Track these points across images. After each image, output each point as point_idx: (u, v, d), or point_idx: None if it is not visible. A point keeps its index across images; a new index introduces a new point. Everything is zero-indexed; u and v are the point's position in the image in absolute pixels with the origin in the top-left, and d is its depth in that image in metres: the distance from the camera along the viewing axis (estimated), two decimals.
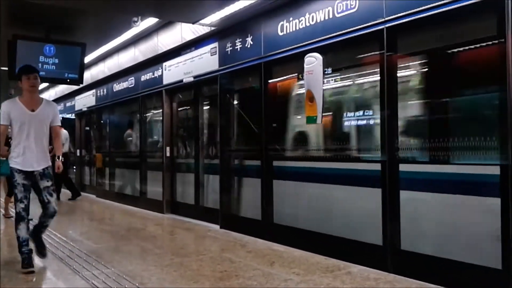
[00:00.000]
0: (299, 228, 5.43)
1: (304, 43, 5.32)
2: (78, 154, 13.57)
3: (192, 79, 7.63)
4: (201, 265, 4.72)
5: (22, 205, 4.55)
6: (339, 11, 4.87)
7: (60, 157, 4.83)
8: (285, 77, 5.95)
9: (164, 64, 8.46)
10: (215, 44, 6.99)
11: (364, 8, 4.60)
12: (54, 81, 10.14)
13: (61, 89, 13.88)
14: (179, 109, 8.81)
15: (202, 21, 6.44)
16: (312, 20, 5.22)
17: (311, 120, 5.16)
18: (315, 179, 5.28)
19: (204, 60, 7.26)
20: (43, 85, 12.69)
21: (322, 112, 5.03)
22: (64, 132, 10.76)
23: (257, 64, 6.11)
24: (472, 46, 3.87)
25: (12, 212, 7.41)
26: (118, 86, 10.57)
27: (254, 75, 6.31)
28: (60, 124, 4.95)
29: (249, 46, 6.26)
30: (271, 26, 5.86)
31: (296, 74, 5.64)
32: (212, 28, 6.80)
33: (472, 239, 3.76)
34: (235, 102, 7.00)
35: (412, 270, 4.10)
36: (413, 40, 4.35)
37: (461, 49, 3.99)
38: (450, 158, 3.96)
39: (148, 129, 9.80)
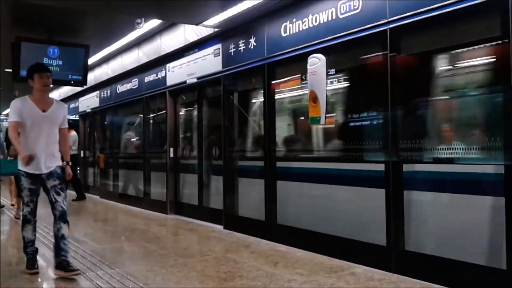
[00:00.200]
0: (303, 228, 5.43)
1: (307, 44, 5.32)
2: (82, 155, 13.61)
3: (195, 80, 7.64)
4: (205, 265, 4.72)
5: (28, 209, 4.44)
6: (342, 12, 4.87)
7: (69, 162, 4.67)
8: (288, 78, 5.95)
9: (167, 65, 8.48)
10: (219, 46, 7.00)
11: (367, 9, 4.60)
12: (58, 83, 10.15)
13: (65, 90, 13.93)
14: (182, 110, 8.83)
15: (205, 23, 6.45)
16: (316, 21, 5.22)
17: (314, 121, 5.16)
18: (318, 179, 5.29)
19: (208, 62, 7.28)
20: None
21: (326, 113, 5.04)
22: (73, 134, 10.80)
23: (260, 65, 6.12)
24: (476, 47, 3.87)
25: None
26: (121, 88, 10.60)
27: (257, 76, 6.32)
28: (67, 126, 4.78)
29: (252, 47, 6.28)
30: (274, 27, 5.87)
31: (299, 75, 5.64)
32: (216, 30, 6.81)
33: (477, 239, 3.75)
34: (239, 103, 7.01)
35: (416, 270, 4.10)
36: (416, 41, 4.35)
37: (465, 49, 3.99)
38: (455, 158, 3.95)
39: (152, 130, 9.82)
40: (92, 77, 11.27)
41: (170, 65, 8.41)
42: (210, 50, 7.22)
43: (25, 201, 4.45)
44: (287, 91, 6.04)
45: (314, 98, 5.12)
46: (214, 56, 7.11)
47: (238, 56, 6.57)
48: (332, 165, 5.20)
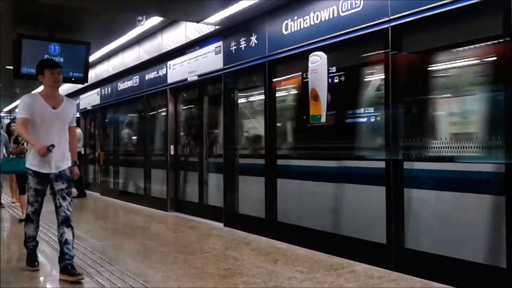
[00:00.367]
0: (303, 226, 5.43)
1: (308, 42, 5.32)
2: (82, 152, 13.61)
3: (196, 78, 7.64)
4: (205, 263, 4.73)
5: (32, 208, 4.32)
6: (343, 10, 4.87)
7: (77, 162, 4.53)
8: (289, 76, 5.95)
9: (168, 63, 8.48)
10: (220, 43, 7.00)
11: (369, 7, 4.60)
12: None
13: (66, 88, 13.91)
14: (183, 108, 8.84)
15: (206, 20, 6.44)
16: (317, 19, 5.22)
17: (315, 118, 5.17)
18: (319, 177, 5.29)
19: (209, 59, 7.28)
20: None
21: (327, 111, 5.04)
22: (79, 132, 10.81)
23: (261, 63, 6.12)
24: (477, 45, 3.87)
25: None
26: (122, 85, 10.60)
27: (258, 74, 6.32)
28: (76, 124, 4.61)
29: (253, 45, 6.27)
30: (275, 25, 5.87)
31: (300, 73, 5.64)
32: (217, 27, 6.81)
33: (477, 238, 3.76)
34: (239, 101, 7.01)
35: (416, 268, 4.10)
36: (418, 39, 4.35)
37: (466, 47, 3.99)
38: (455, 156, 3.95)
39: (153, 127, 9.82)
40: (93, 75, 11.27)
41: (171, 63, 8.41)
42: (211, 47, 7.21)
43: (30, 200, 4.32)
44: (288, 89, 6.04)
45: (315, 96, 5.12)
46: (215, 54, 7.10)
47: (239, 54, 6.57)
48: (333, 163, 5.20)
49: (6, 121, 18.78)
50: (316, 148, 5.56)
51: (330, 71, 5.10)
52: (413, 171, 4.24)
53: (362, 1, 4.66)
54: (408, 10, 4.19)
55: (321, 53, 5.11)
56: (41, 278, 4.36)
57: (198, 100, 8.19)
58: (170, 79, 8.50)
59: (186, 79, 7.92)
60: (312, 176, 5.42)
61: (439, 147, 4.06)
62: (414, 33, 4.31)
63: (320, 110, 5.07)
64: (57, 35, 8.08)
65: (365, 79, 4.98)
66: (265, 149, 6.11)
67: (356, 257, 4.62)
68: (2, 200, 9.39)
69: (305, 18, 5.38)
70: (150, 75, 9.25)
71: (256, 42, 6.22)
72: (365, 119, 4.88)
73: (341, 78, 5.09)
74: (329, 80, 5.09)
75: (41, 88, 4.74)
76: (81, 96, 13.38)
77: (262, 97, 6.22)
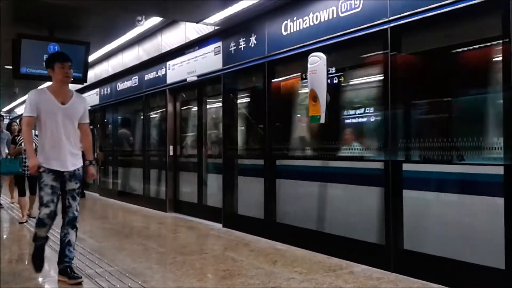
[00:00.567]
0: (302, 227, 5.43)
1: (308, 43, 5.32)
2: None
3: (195, 78, 7.64)
4: (204, 263, 4.73)
5: (47, 210, 3.94)
6: (343, 10, 4.87)
7: (93, 161, 4.34)
8: (288, 77, 5.95)
9: (168, 63, 8.47)
10: (219, 44, 7.00)
11: (368, 7, 4.60)
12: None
13: None
14: (182, 108, 8.83)
15: (206, 20, 6.44)
16: (316, 20, 5.22)
17: (314, 119, 5.16)
18: (318, 178, 5.28)
19: (208, 59, 7.27)
20: (47, 83, 12.74)
21: (326, 112, 5.03)
22: None
23: (260, 63, 6.12)
24: (477, 46, 3.87)
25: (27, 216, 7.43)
26: (122, 85, 10.60)
27: (257, 75, 6.31)
28: (89, 121, 4.41)
29: (253, 45, 6.27)
30: (275, 26, 5.87)
31: (299, 73, 5.64)
32: (216, 28, 6.81)
33: (475, 239, 3.75)
34: (239, 101, 7.01)
35: (414, 269, 4.10)
36: (417, 40, 4.35)
37: (465, 48, 3.99)
38: (454, 158, 3.95)
39: (152, 128, 9.82)
40: (92, 75, 11.26)
41: (170, 63, 8.41)
42: (210, 48, 7.21)
43: (45, 201, 3.95)
44: (288, 89, 6.04)
45: (314, 96, 5.12)
46: (215, 54, 7.10)
47: (238, 54, 6.57)
48: (332, 163, 5.19)
49: (7, 121, 18.77)
50: (316, 148, 5.56)
51: (330, 71, 5.09)
52: (412, 173, 4.24)
53: (361, 2, 4.66)
54: (408, 11, 4.19)
55: (321, 54, 5.10)
56: (40, 279, 4.35)
57: (197, 100, 8.19)
58: (169, 80, 8.49)
59: (185, 80, 7.91)
60: (311, 176, 5.41)
61: (437, 148, 4.06)
62: (413, 34, 4.31)
63: (319, 110, 5.07)
64: (57, 35, 8.08)
65: (364, 80, 4.97)
66: (264, 149, 6.10)
67: (355, 258, 4.62)
68: (1, 201, 9.38)
69: (304, 18, 5.38)
70: (150, 75, 9.24)
71: (255, 42, 6.22)
72: (363, 120, 4.87)
73: (340, 79, 5.09)
74: (328, 80, 5.09)
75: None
76: None
77: (261, 97, 6.22)
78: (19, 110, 20.08)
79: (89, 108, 12.64)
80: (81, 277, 4.09)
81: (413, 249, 4.18)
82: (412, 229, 4.22)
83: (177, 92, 8.66)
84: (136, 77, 9.82)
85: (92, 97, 12.43)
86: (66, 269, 4.11)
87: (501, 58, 3.56)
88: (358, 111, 4.95)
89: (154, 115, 9.67)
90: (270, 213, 5.94)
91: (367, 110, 4.83)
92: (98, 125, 12.69)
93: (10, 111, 21.99)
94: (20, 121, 7.21)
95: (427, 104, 4.38)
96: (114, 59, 10.47)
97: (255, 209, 6.23)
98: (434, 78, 4.33)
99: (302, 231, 5.40)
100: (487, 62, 3.85)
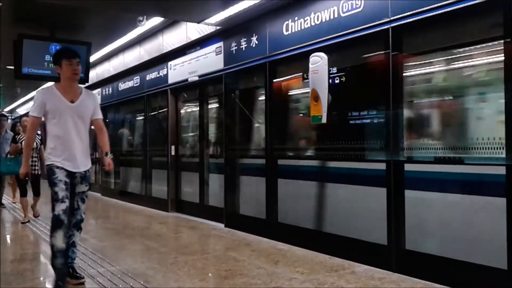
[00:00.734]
0: (304, 227, 5.42)
1: (309, 43, 5.31)
2: None
3: (197, 78, 7.64)
4: (205, 263, 4.73)
5: (63, 206, 3.71)
6: (344, 10, 4.87)
7: (109, 153, 4.24)
8: (290, 77, 5.95)
9: (169, 63, 8.48)
10: (220, 44, 7.00)
11: (369, 7, 4.59)
12: (59, 80, 10.18)
13: None
14: (184, 108, 8.84)
15: (207, 21, 6.45)
16: (318, 20, 5.21)
17: (316, 119, 5.16)
18: (320, 178, 5.28)
19: (209, 60, 7.28)
20: (48, 84, 12.76)
21: (327, 112, 5.03)
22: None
23: (262, 63, 6.12)
24: (478, 46, 3.86)
25: (30, 216, 7.43)
26: (123, 85, 10.61)
27: (259, 75, 6.31)
28: (101, 116, 4.28)
29: (254, 45, 6.27)
30: (276, 26, 5.87)
31: (301, 73, 5.64)
32: (217, 28, 6.81)
33: (478, 239, 3.75)
34: (240, 101, 7.01)
35: (417, 269, 4.10)
36: (418, 40, 4.34)
37: (467, 48, 3.98)
38: (456, 157, 3.94)
39: (153, 128, 9.83)
40: (94, 75, 11.27)
41: (171, 63, 8.41)
42: (212, 48, 7.21)
43: (60, 196, 3.73)
44: (289, 89, 6.04)
45: (315, 96, 5.12)
46: (216, 54, 7.10)
47: (239, 54, 6.57)
48: (334, 163, 5.19)
49: (9, 121, 18.79)
50: (318, 148, 5.55)
51: (331, 71, 5.09)
52: (414, 173, 4.23)
53: (362, 2, 4.66)
54: (409, 11, 4.18)
55: (322, 54, 5.10)
56: (41, 279, 4.36)
57: (198, 100, 8.19)
58: (170, 80, 8.50)
59: (186, 80, 7.92)
60: (313, 176, 5.40)
61: (440, 148, 4.05)
62: (414, 34, 4.30)
63: (321, 110, 5.06)
64: (58, 35, 8.09)
65: (365, 80, 4.97)
66: (265, 149, 6.10)
67: (356, 258, 4.62)
68: (3, 201, 9.40)
69: (305, 18, 5.38)
70: (151, 75, 9.25)
71: (256, 42, 6.22)
72: (365, 120, 4.87)
73: (341, 79, 5.08)
74: (330, 80, 5.09)
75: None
76: None
77: (263, 97, 6.22)
78: (21, 110, 20.12)
79: None
80: (83, 277, 4.09)
81: (415, 249, 4.18)
82: (414, 229, 4.21)
83: (178, 92, 8.66)
84: (138, 77, 9.83)
85: None
86: (68, 269, 4.10)
87: (503, 58, 3.55)
88: (360, 111, 4.94)
89: (156, 115, 9.68)
90: (271, 213, 5.95)
91: (369, 110, 4.82)
92: None
93: (12, 111, 22.03)
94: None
95: (428, 104, 4.37)
96: (115, 59, 10.48)
97: (256, 209, 6.24)
98: (436, 78, 4.32)
99: (304, 231, 5.40)
100: (488, 62, 3.84)
